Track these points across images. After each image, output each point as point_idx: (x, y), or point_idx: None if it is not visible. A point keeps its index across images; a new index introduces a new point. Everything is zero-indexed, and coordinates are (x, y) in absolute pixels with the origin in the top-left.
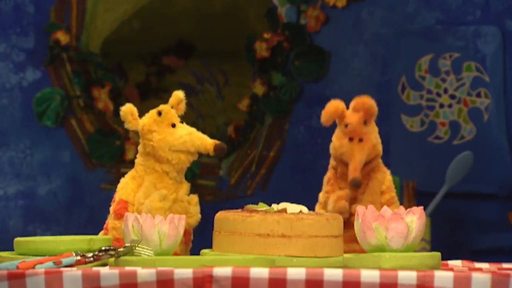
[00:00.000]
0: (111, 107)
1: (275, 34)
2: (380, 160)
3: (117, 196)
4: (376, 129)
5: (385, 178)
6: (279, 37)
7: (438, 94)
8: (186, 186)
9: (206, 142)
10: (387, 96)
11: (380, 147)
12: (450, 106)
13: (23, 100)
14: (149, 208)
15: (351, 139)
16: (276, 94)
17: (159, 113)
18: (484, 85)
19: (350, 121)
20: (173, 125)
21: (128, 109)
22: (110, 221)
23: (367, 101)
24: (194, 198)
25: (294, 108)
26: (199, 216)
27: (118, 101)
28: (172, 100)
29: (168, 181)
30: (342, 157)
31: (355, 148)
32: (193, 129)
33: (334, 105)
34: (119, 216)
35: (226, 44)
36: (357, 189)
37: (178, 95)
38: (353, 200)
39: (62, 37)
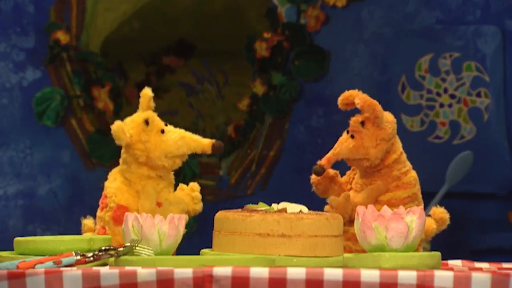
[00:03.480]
0: (111, 107)
1: (275, 33)
2: (394, 173)
3: (113, 201)
4: (380, 135)
5: (395, 191)
6: (279, 37)
7: (438, 94)
8: (172, 180)
9: (202, 143)
10: (387, 96)
11: (375, 154)
12: (450, 105)
13: (23, 99)
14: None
15: (347, 132)
16: (276, 94)
17: (146, 122)
18: (484, 85)
19: (353, 117)
20: (162, 131)
21: (119, 127)
22: (110, 228)
23: (371, 107)
24: (195, 185)
25: (294, 108)
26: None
27: (118, 101)
28: (143, 100)
29: (164, 183)
30: None
31: (341, 141)
32: (182, 131)
33: (349, 93)
34: (120, 222)
35: (226, 43)
36: (317, 176)
37: (147, 93)
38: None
39: (62, 36)
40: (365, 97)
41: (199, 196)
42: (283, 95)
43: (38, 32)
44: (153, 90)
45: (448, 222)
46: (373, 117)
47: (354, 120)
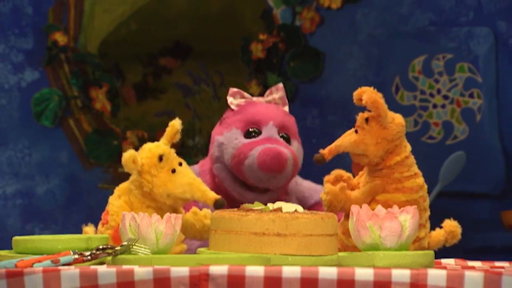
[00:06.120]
0: (109, 108)
1: (271, 35)
2: (395, 175)
3: (114, 221)
4: (382, 134)
5: (392, 193)
6: (275, 38)
7: (431, 95)
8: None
9: (207, 196)
10: None
11: (374, 151)
12: (443, 106)
13: (21, 100)
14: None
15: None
16: None
17: (161, 158)
18: (477, 86)
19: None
20: (173, 171)
21: (130, 157)
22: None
23: (375, 105)
24: (208, 212)
25: (290, 109)
26: None
27: (116, 101)
28: (169, 130)
29: (163, 213)
30: None
31: (345, 134)
32: (193, 176)
33: (362, 89)
34: (120, 242)
35: (222, 45)
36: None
37: (176, 126)
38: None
39: (60, 38)
40: (372, 95)
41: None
42: None
43: (37, 34)
44: (149, 91)
45: (459, 237)
46: (377, 116)
47: (360, 116)
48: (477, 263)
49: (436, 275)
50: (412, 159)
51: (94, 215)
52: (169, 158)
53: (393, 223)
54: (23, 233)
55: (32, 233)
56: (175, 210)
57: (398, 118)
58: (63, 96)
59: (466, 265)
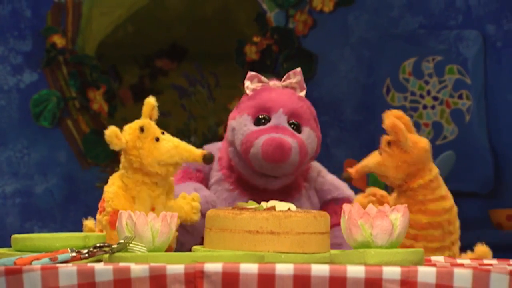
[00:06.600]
0: (106, 108)
1: (265, 37)
2: (419, 197)
3: (110, 206)
4: (403, 158)
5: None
6: (268, 41)
7: (422, 96)
8: (172, 187)
9: (194, 154)
10: (372, 98)
11: (394, 174)
12: (433, 107)
13: (20, 101)
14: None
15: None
16: None
17: (142, 129)
18: (466, 87)
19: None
20: (157, 139)
21: (112, 132)
22: (107, 232)
23: (394, 130)
24: (197, 195)
25: None
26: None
27: (113, 103)
28: (146, 108)
29: (159, 190)
30: None
31: (371, 155)
32: (177, 140)
33: (388, 113)
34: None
35: (217, 47)
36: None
37: (151, 102)
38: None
39: (58, 40)
40: (393, 121)
41: (199, 206)
42: None
43: (35, 36)
44: (146, 92)
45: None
46: (396, 140)
47: (384, 139)
48: (466, 261)
49: (426, 272)
50: (438, 182)
51: (92, 214)
52: (150, 128)
53: (384, 221)
54: (22, 231)
55: (31, 231)
56: (169, 187)
57: (422, 142)
58: (61, 97)
59: (455, 262)
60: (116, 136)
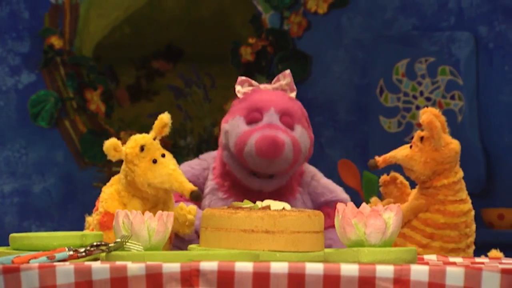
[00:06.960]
0: (103, 109)
1: (260, 39)
2: (439, 196)
3: (103, 207)
4: (433, 155)
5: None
6: (263, 42)
7: (414, 97)
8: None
9: (183, 187)
10: (366, 99)
11: (421, 169)
12: (425, 108)
13: (18, 102)
14: None
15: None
16: None
17: (142, 148)
18: (458, 88)
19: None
20: (154, 161)
21: (111, 145)
22: (97, 231)
23: (429, 127)
24: (194, 208)
25: None
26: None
27: (110, 103)
28: (157, 123)
29: (151, 204)
30: None
31: (401, 147)
32: (174, 167)
33: (425, 109)
34: (105, 228)
35: (213, 48)
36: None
37: (164, 119)
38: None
39: (56, 41)
40: (430, 117)
41: (193, 220)
42: None
43: (33, 37)
44: (143, 93)
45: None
46: (430, 137)
47: (417, 134)
48: (458, 259)
49: (418, 270)
50: (461, 186)
51: (89, 213)
52: (150, 148)
53: (378, 220)
54: (20, 230)
55: (29, 230)
56: (163, 202)
57: (454, 144)
58: (59, 97)
59: (447, 261)
60: (114, 148)
